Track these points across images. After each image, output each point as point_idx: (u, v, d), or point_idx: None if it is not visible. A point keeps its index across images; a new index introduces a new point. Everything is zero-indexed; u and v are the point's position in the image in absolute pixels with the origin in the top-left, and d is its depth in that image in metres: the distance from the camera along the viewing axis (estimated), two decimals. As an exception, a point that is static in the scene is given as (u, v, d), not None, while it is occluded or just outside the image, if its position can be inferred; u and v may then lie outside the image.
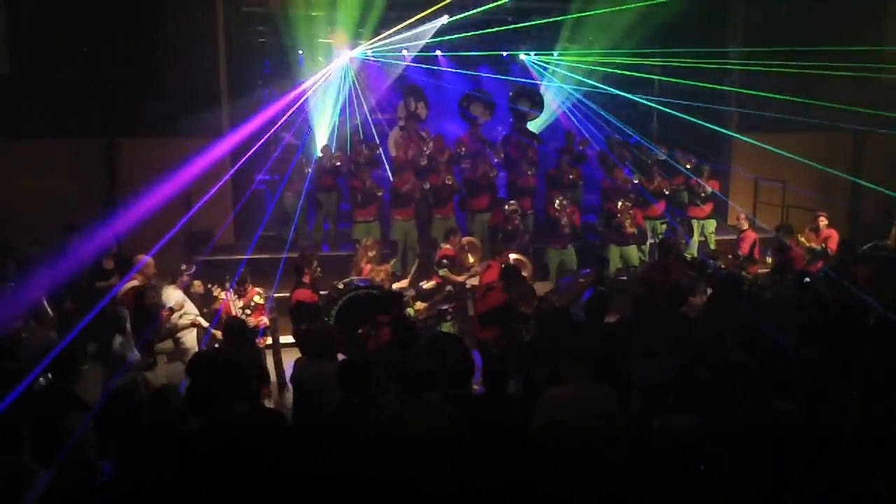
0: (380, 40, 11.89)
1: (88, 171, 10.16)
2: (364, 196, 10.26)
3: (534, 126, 13.14)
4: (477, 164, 10.90)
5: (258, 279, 8.01)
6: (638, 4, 10.64)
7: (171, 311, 7.16)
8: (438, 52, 13.06)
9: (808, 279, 7.14)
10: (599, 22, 11.66)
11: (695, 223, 11.16)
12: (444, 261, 8.90)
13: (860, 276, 7.34)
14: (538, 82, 13.45)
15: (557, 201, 10.09)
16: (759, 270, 9.14)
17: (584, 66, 12.59)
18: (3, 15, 9.87)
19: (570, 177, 11.14)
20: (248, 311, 7.41)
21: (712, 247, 10.97)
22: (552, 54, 13.15)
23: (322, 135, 12.11)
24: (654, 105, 12.46)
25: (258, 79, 13.13)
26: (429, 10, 11.13)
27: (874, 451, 3.61)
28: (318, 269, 7.54)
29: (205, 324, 7.35)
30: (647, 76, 12.36)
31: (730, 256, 9.61)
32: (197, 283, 7.90)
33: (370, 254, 8.41)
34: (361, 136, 12.18)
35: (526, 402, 4.49)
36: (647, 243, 10.68)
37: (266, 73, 13.31)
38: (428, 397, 4.14)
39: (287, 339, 7.73)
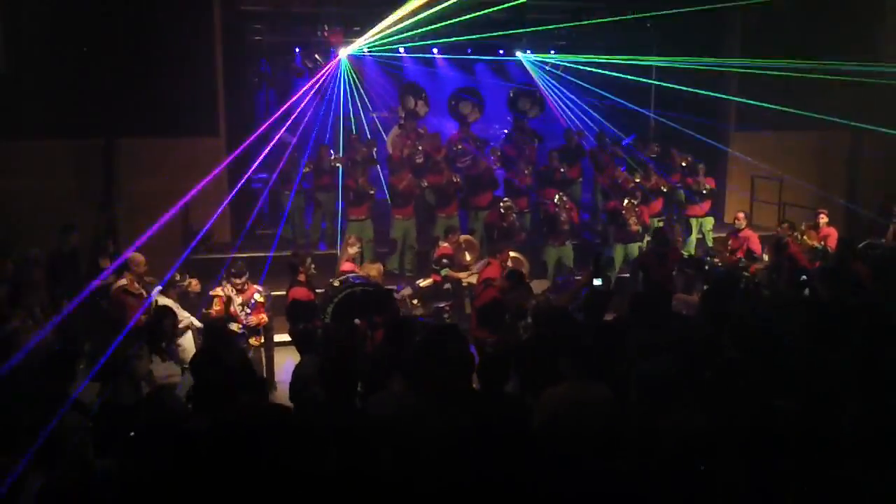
0: (378, 37, 11.86)
1: (85, 172, 10.14)
2: (356, 194, 10.25)
3: None
4: (479, 161, 10.91)
5: (254, 278, 8.00)
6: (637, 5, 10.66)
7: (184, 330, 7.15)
8: (435, 51, 13.05)
9: (804, 277, 7.15)
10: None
11: (693, 221, 11.17)
12: (444, 260, 8.91)
13: (860, 274, 7.34)
14: (535, 81, 13.45)
15: (557, 197, 10.10)
16: (758, 267, 9.16)
17: (582, 66, 12.60)
18: (-1, 15, 9.88)
19: (562, 170, 11.12)
20: (249, 310, 7.40)
21: (710, 244, 10.98)
22: (550, 53, 13.15)
23: (320, 133, 12.10)
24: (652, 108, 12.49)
25: (255, 77, 13.11)
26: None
27: (874, 451, 3.61)
28: (313, 267, 7.54)
29: (198, 324, 7.33)
30: (645, 80, 12.35)
31: (727, 253, 9.64)
32: (194, 282, 7.89)
33: (350, 251, 8.41)
34: (356, 134, 12.17)
35: (524, 401, 4.49)
36: (645, 241, 10.69)
37: (263, 71, 13.28)
38: (426, 396, 4.14)
39: (281, 337, 7.75)
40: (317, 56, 12.13)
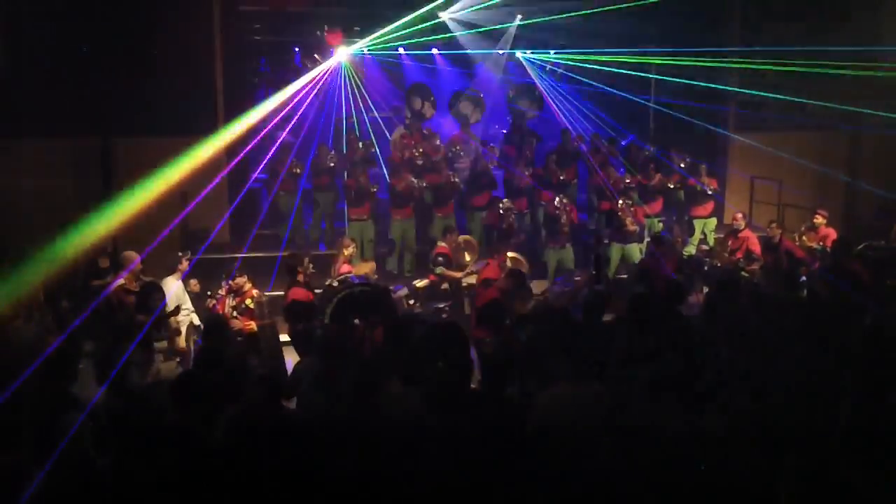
0: (378, 37, 11.87)
1: (84, 171, 10.12)
2: (358, 194, 10.24)
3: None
4: (478, 161, 10.90)
5: (261, 280, 8.01)
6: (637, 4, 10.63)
7: (178, 309, 7.12)
8: (435, 51, 13.04)
9: (803, 278, 7.16)
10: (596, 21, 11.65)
11: (696, 222, 11.14)
12: (440, 258, 8.90)
13: (859, 274, 7.34)
14: (533, 80, 13.45)
15: (557, 199, 10.09)
16: (754, 268, 9.17)
17: (580, 65, 12.59)
18: (-2, 14, 9.87)
19: (561, 178, 11.12)
20: (237, 314, 7.36)
21: (711, 245, 10.97)
22: (549, 53, 13.15)
23: (319, 133, 12.08)
24: (651, 105, 12.47)
25: (254, 77, 13.11)
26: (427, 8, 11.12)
27: (870, 450, 3.62)
28: (311, 267, 7.54)
29: (197, 322, 7.32)
30: (644, 75, 12.35)
31: (726, 254, 9.64)
32: (193, 281, 7.88)
33: (346, 252, 8.40)
34: (357, 134, 12.16)
35: (523, 402, 4.49)
36: (645, 242, 10.68)
37: (262, 70, 13.28)
38: (426, 396, 4.14)
39: (280, 337, 7.74)
40: (316, 56, 12.13)
